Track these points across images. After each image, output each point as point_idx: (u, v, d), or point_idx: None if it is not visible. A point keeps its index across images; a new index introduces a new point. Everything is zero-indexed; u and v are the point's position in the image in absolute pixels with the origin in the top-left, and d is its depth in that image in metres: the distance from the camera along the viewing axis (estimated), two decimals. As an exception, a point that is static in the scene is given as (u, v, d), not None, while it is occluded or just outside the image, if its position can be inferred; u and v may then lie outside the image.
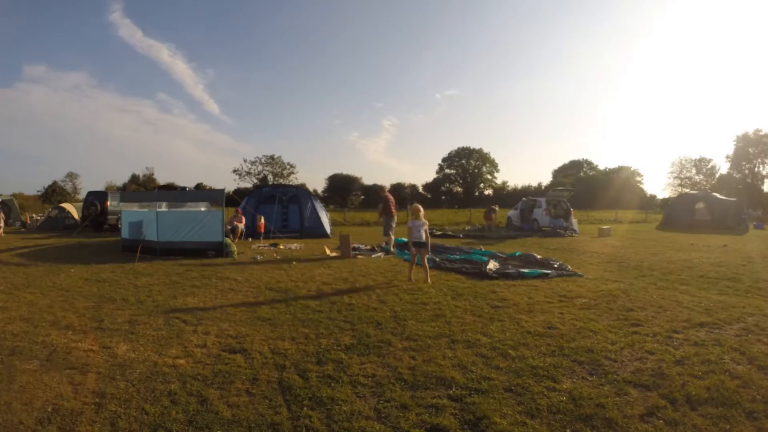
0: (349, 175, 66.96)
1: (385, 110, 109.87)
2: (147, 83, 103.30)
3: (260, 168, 67.46)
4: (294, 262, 8.96)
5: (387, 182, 66.48)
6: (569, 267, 8.12)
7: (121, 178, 66.90)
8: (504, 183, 68.81)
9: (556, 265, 8.27)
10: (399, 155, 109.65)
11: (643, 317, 4.79)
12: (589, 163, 67.10)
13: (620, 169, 59.48)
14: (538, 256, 9.31)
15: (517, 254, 10.01)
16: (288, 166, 68.20)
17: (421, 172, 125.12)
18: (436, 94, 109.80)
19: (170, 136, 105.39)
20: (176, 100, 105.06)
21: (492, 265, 7.88)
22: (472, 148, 68.46)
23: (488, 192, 68.07)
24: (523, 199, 20.62)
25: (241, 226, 13.39)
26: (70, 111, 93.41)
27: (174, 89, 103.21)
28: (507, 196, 57.09)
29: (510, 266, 8.18)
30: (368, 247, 11.59)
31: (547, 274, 7.33)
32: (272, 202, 15.29)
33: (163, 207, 10.89)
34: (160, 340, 4.09)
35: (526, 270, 7.58)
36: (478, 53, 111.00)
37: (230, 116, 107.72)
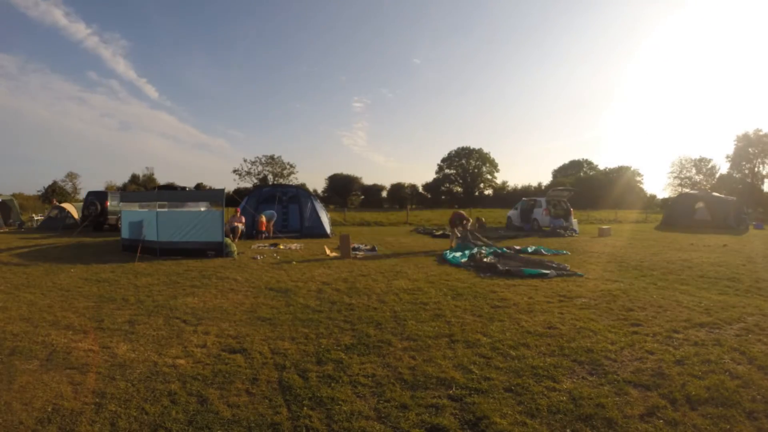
0: (349, 175, 66.93)
1: (349, 86, 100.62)
2: (67, 60, 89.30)
3: (260, 168, 67.54)
4: (294, 262, 8.96)
5: (387, 182, 66.54)
6: (568, 267, 8.13)
7: (113, 180, 65.17)
8: (504, 183, 68.78)
9: (554, 265, 8.28)
10: (381, 148, 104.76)
11: (643, 317, 4.79)
12: (589, 163, 67.08)
13: (620, 169, 59.41)
14: (545, 251, 9.40)
15: (528, 250, 10.33)
16: (288, 166, 68.26)
17: (412, 169, 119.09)
18: (414, 59, 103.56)
19: (137, 130, 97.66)
20: (105, 78, 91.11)
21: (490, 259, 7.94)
22: (471, 147, 68.46)
23: (488, 192, 68.06)
24: (523, 199, 20.62)
25: (241, 226, 13.39)
26: (21, 103, 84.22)
27: (97, 65, 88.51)
28: (507, 196, 57.06)
29: (509, 265, 8.21)
30: (368, 247, 11.58)
31: (545, 274, 7.35)
32: (272, 202, 15.29)
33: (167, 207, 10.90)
34: (160, 340, 4.09)
35: (526, 268, 7.65)
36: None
37: (172, 99, 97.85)
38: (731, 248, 11.76)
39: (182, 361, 3.54)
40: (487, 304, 5.42)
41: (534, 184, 63.71)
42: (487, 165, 69.11)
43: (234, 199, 31.75)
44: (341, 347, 3.88)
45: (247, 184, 64.06)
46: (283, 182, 62.22)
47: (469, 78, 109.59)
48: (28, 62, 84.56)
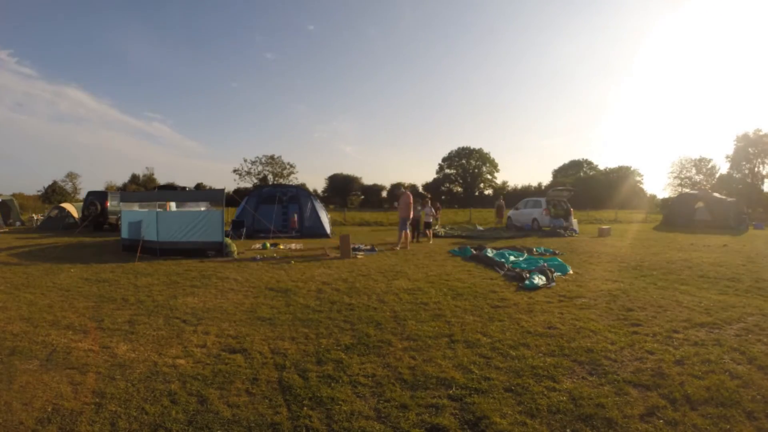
0: (348, 175, 67.06)
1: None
2: None
3: (260, 168, 67.61)
4: (293, 262, 8.96)
5: (387, 182, 66.53)
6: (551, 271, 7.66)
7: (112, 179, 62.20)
8: (504, 183, 68.84)
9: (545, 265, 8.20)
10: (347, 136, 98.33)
11: (643, 317, 4.79)
12: (589, 163, 67.13)
13: (620, 169, 59.38)
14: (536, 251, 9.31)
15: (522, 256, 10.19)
16: (288, 166, 68.35)
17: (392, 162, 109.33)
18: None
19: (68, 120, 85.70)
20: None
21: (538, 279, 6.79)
22: (472, 148, 68.58)
23: (488, 192, 68.12)
24: (524, 199, 20.63)
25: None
26: None
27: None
28: (507, 196, 57.07)
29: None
30: (368, 246, 11.59)
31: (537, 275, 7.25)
32: (272, 202, 15.30)
33: (173, 207, 10.79)
34: (160, 340, 4.09)
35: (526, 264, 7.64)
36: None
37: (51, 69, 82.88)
38: (731, 248, 11.76)
39: (182, 361, 3.54)
40: (487, 304, 5.42)
41: (534, 184, 63.77)
42: (487, 165, 69.18)
43: (234, 199, 31.75)
44: (341, 347, 3.88)
45: (247, 184, 64.16)
46: (283, 182, 62.28)
47: (464, 76, 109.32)
48: None
